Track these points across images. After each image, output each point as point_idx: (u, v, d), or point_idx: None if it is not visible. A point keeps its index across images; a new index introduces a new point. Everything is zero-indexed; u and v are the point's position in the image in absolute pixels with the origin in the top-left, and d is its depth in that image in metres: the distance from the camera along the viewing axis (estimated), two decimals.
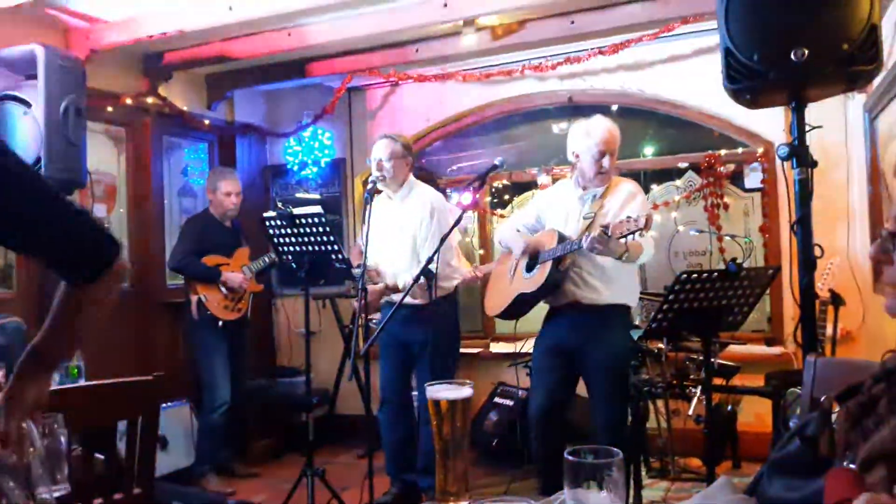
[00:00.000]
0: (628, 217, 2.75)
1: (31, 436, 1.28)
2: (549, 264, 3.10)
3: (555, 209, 3.33)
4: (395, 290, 3.62)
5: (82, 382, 2.79)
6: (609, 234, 2.78)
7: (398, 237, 3.68)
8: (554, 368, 3.24)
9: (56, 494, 1.29)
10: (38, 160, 3.14)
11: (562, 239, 3.12)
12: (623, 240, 2.82)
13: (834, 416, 1.17)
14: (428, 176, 4.46)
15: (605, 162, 3.15)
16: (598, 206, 3.16)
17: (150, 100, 4.83)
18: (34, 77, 3.17)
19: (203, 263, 4.35)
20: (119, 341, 4.24)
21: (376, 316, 4.09)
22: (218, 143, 5.58)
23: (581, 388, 3.31)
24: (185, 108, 5.12)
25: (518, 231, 3.42)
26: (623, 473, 0.96)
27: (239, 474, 4.57)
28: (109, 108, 4.58)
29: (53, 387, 1.58)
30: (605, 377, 3.16)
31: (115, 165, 4.85)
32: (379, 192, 3.73)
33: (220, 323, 4.33)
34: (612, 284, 3.15)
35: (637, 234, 2.76)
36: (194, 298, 4.33)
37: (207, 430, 4.36)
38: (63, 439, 1.37)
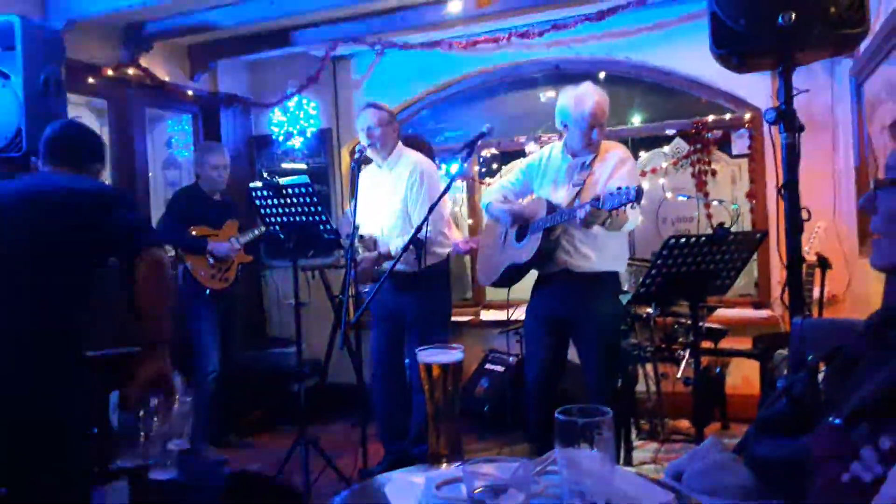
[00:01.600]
0: (618, 188, 2.71)
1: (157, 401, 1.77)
2: (540, 234, 3.09)
3: (543, 175, 3.30)
4: (389, 257, 3.62)
5: None
6: (600, 206, 2.75)
7: (390, 204, 3.66)
8: (547, 338, 3.26)
9: (177, 448, 1.74)
10: (18, 132, 3.10)
11: (551, 208, 3.11)
12: (614, 211, 2.79)
13: (820, 376, 1.19)
14: (423, 144, 4.42)
15: (595, 134, 3.11)
16: (587, 173, 3.13)
17: (131, 71, 4.76)
18: (12, 48, 3.12)
19: (189, 233, 4.34)
20: (110, 314, 4.20)
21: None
22: (202, 114, 5.51)
23: (572, 354, 3.34)
24: (167, 80, 5.04)
25: (504, 198, 3.41)
26: (613, 433, 0.97)
27: (232, 444, 4.61)
28: (90, 80, 4.51)
29: None
30: (597, 345, 3.18)
31: None
32: (367, 161, 3.71)
33: (207, 291, 4.34)
34: (603, 252, 3.15)
35: (628, 205, 2.74)
36: (180, 267, 4.34)
37: (198, 398, 4.38)
38: (187, 405, 1.94)
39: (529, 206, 3.27)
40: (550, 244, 3.11)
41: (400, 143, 3.75)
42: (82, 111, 4.65)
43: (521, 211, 3.28)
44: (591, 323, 3.15)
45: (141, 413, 1.67)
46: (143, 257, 2.01)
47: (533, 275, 3.34)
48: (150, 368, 1.96)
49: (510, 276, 3.31)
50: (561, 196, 3.17)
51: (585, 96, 3.11)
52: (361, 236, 3.61)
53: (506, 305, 3.77)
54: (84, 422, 1.87)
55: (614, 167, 3.11)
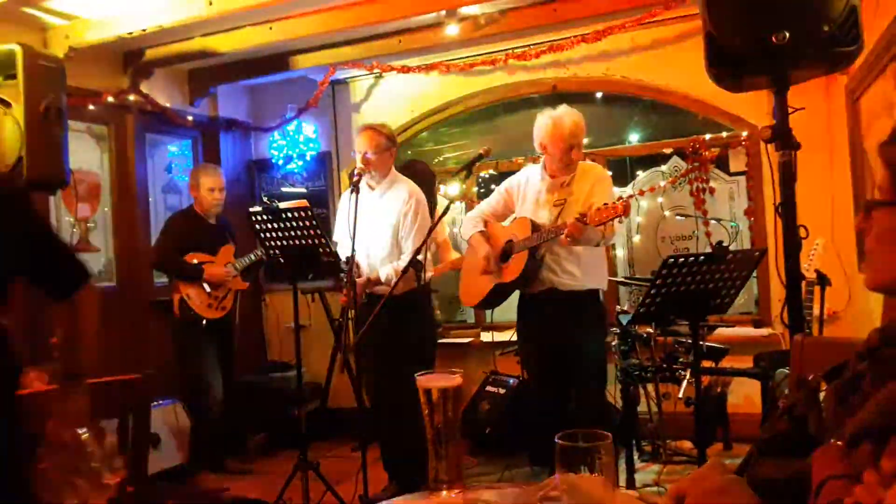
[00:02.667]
0: (605, 203, 2.77)
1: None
2: (525, 254, 3.13)
3: (524, 196, 3.36)
4: (377, 282, 3.61)
5: None
6: (586, 222, 2.80)
7: (378, 230, 3.65)
8: (544, 359, 3.31)
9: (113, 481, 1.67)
10: (19, 160, 3.11)
11: (535, 227, 3.15)
12: (601, 226, 2.85)
13: (821, 395, 1.18)
14: (426, 171, 4.42)
15: (573, 154, 3.21)
16: (567, 192, 3.22)
17: (131, 97, 4.79)
18: (13, 77, 3.14)
19: (184, 260, 4.30)
20: (107, 340, 4.20)
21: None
22: (202, 138, 5.54)
23: None
24: (167, 105, 5.08)
25: (485, 224, 3.45)
26: (613, 456, 0.97)
27: (232, 471, 4.55)
28: (91, 107, 4.54)
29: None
30: (585, 362, 3.23)
31: (98, 164, 4.81)
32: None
33: (204, 322, 4.30)
34: (587, 270, 3.23)
35: (617, 220, 2.79)
36: (176, 297, 4.29)
37: (202, 430, 4.33)
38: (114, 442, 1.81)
39: (513, 227, 3.30)
40: (536, 263, 3.17)
41: (393, 168, 3.75)
42: (83, 137, 4.67)
43: (488, 248, 3.34)
44: (578, 339, 3.21)
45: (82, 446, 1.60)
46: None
47: (516, 295, 3.37)
48: (78, 402, 1.82)
49: (496, 296, 3.36)
50: (543, 216, 3.24)
51: (562, 118, 3.20)
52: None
53: (507, 327, 3.78)
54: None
55: (592, 184, 3.21)
